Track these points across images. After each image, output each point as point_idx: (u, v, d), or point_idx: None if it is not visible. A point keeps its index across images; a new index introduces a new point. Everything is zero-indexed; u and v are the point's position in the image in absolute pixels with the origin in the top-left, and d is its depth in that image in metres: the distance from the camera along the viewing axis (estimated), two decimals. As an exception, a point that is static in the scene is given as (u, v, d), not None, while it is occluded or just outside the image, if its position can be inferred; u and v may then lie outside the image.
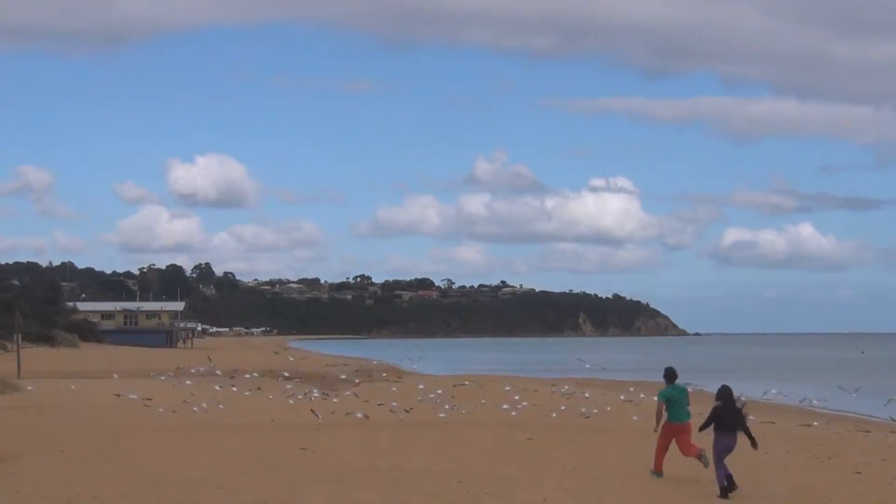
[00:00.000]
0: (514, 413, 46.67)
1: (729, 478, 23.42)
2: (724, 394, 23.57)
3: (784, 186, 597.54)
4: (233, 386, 62.01)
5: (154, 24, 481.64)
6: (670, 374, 25.14)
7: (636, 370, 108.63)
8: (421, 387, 61.77)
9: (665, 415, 24.99)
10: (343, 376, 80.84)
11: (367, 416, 42.47)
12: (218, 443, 31.85)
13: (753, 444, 23.69)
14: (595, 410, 49.76)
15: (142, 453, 28.97)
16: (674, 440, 25.20)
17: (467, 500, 21.98)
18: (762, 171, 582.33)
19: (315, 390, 58.76)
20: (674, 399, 24.98)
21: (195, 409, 45.43)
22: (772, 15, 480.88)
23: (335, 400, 54.77)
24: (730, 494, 23.28)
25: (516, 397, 53.45)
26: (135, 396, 50.90)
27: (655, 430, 25.60)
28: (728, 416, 23.38)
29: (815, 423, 48.49)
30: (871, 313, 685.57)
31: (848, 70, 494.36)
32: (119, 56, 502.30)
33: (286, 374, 76.82)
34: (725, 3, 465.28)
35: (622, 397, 58.45)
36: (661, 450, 25.46)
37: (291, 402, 51.44)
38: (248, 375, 73.43)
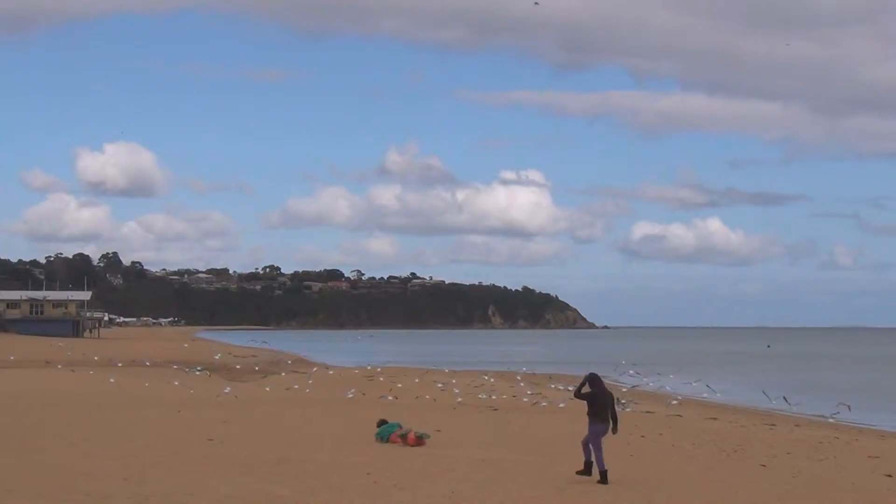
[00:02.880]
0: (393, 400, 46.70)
1: (588, 465, 24.05)
2: (595, 380, 24.17)
3: (693, 181, 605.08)
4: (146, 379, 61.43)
5: (62, 11, 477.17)
6: None
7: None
8: (330, 373, 61.49)
9: None
10: (256, 368, 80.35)
11: (274, 406, 42.27)
12: (125, 434, 31.50)
13: (615, 428, 24.13)
14: (500, 398, 49.88)
15: (47, 444, 28.57)
16: None
17: (375, 492, 21.91)
18: (671, 165, 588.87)
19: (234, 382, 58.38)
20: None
21: (101, 399, 44.98)
22: (682, 11, 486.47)
23: (240, 386, 54.41)
24: (582, 476, 24.01)
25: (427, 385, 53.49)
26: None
27: None
28: (602, 400, 23.92)
29: (722, 417, 49.01)
30: (777, 308, 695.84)
31: (757, 66, 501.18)
32: (27, 42, 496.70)
33: (199, 369, 76.19)
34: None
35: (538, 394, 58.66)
36: None
37: (192, 392, 51.08)
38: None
